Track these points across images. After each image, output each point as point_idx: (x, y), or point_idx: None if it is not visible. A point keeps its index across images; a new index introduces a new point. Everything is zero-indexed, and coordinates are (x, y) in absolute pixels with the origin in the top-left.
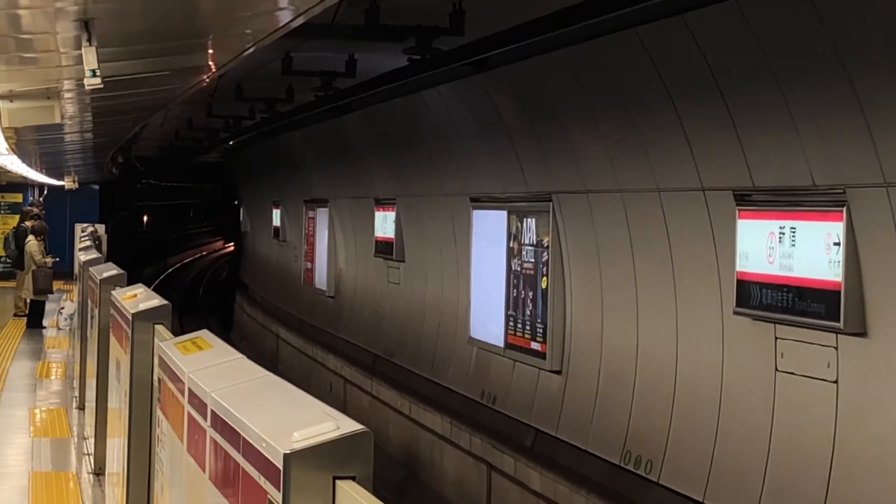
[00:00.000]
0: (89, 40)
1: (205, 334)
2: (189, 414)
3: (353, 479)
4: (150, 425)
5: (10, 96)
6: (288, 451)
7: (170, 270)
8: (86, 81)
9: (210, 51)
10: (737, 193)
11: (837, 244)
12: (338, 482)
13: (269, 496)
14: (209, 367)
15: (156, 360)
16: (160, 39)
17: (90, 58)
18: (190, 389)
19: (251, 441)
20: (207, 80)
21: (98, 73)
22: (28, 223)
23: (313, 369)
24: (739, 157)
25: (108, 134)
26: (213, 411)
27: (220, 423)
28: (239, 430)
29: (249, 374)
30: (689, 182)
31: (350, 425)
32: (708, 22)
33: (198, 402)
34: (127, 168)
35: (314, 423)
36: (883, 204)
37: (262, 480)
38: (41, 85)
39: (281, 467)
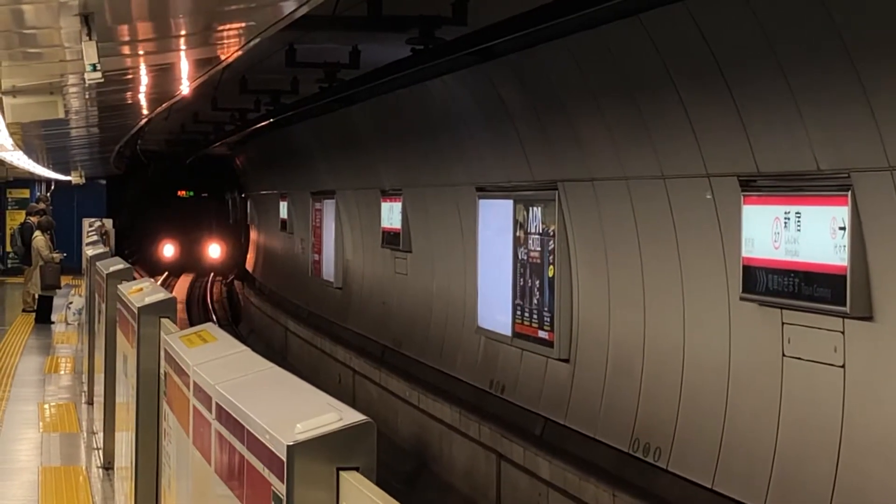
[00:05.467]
0: (89, 35)
1: (209, 327)
2: (194, 407)
3: (357, 469)
4: (157, 419)
5: (14, 91)
6: (291, 443)
7: None
8: (86, 76)
9: (213, 43)
10: (742, 179)
11: (843, 228)
12: (341, 473)
13: (273, 488)
14: (214, 359)
15: (162, 354)
16: (162, 33)
17: (90, 52)
18: (195, 382)
19: (255, 433)
20: (210, 72)
21: (99, 68)
22: (34, 219)
23: (322, 361)
24: (744, 142)
25: (113, 128)
26: (217, 404)
27: (224, 416)
28: (243, 423)
29: (253, 367)
30: (694, 168)
31: (353, 416)
32: (711, 8)
33: (203, 395)
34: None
35: (317, 414)
36: (888, 187)
37: (266, 472)
38: (44, 80)
39: (284, 459)
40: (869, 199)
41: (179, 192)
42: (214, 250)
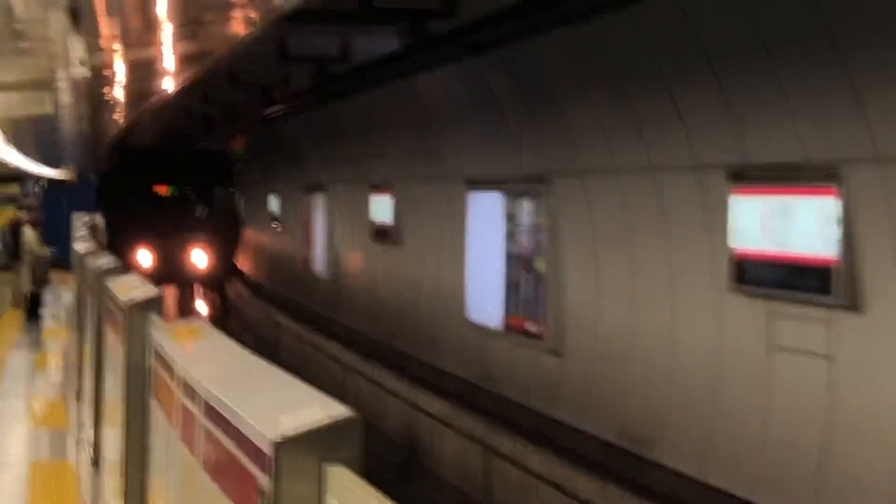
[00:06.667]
0: (76, 30)
1: (197, 322)
2: (181, 402)
3: (344, 464)
4: (144, 414)
5: (3, 87)
6: (277, 438)
7: None
8: (73, 71)
9: (202, 37)
10: (730, 170)
11: (831, 220)
12: (328, 467)
13: (259, 483)
14: (200, 354)
15: (149, 350)
16: (150, 27)
17: (78, 48)
18: (181, 377)
19: (240, 428)
20: (200, 66)
21: (86, 63)
22: (22, 215)
23: (313, 355)
24: (733, 133)
25: (103, 124)
26: (203, 399)
27: (210, 411)
28: (229, 418)
29: (240, 361)
30: (683, 160)
31: (340, 410)
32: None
33: (189, 390)
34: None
35: (303, 408)
36: (876, 179)
37: (252, 467)
38: (34, 76)
39: (270, 454)
40: (858, 191)
41: (156, 188)
42: (200, 258)
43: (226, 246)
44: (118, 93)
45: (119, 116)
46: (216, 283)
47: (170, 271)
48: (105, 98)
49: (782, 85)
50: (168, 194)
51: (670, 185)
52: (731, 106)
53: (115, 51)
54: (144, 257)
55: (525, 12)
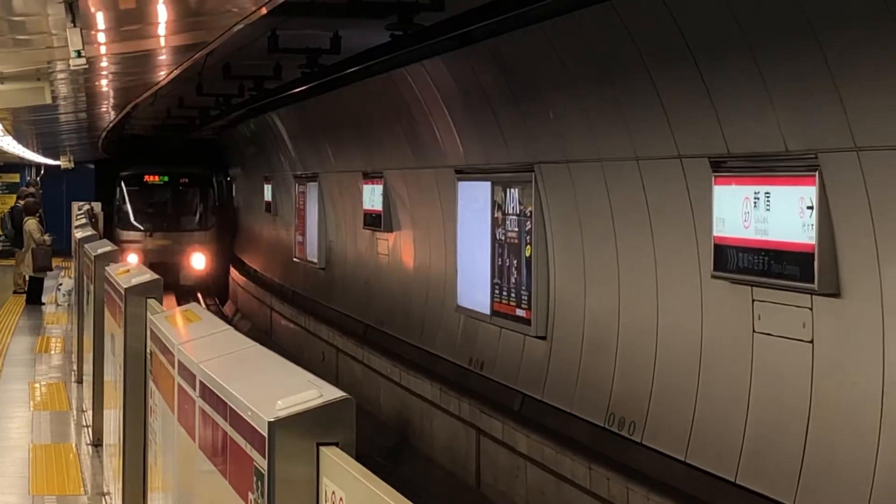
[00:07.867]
0: (74, 21)
1: (194, 307)
2: (179, 385)
3: (337, 444)
4: (143, 397)
5: (2, 78)
6: (272, 419)
7: None
8: (71, 62)
9: (196, 29)
10: (712, 160)
11: (811, 208)
12: (321, 448)
13: (255, 463)
14: (197, 338)
15: (148, 334)
16: (145, 19)
17: (75, 39)
18: (179, 361)
19: (237, 410)
20: (194, 58)
21: (83, 54)
22: (23, 202)
23: (307, 340)
24: (715, 124)
25: (100, 114)
26: (201, 382)
27: (207, 393)
28: (226, 400)
29: (236, 345)
30: (667, 150)
31: (333, 393)
32: None
33: (187, 374)
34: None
35: (298, 391)
36: (854, 168)
37: (248, 448)
38: (31, 66)
39: (266, 435)
40: (836, 179)
41: (147, 178)
42: (198, 260)
43: (222, 235)
44: (115, 83)
45: (114, 106)
46: (213, 272)
47: (164, 276)
48: (103, 89)
49: (763, 77)
50: (162, 183)
51: (655, 175)
52: (714, 98)
53: (112, 42)
54: (132, 261)
55: (511, 6)
